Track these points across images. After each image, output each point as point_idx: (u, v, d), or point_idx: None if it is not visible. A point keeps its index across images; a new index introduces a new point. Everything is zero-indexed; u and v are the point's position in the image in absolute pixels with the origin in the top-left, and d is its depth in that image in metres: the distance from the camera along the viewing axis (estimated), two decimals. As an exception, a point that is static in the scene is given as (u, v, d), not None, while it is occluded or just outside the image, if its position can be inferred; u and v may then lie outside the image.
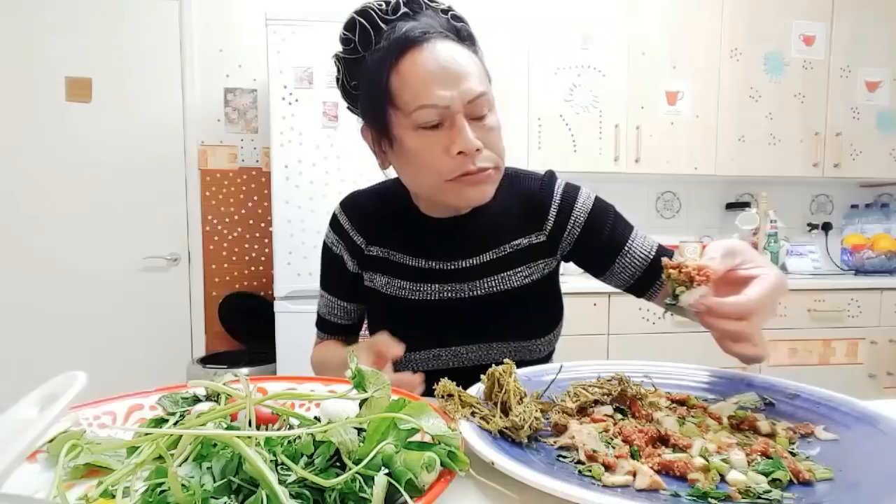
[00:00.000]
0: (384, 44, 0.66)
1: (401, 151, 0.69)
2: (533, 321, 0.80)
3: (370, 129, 0.72)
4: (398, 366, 0.80)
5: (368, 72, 0.68)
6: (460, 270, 0.78)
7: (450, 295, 0.78)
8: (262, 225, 2.57)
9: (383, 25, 0.67)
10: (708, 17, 2.46)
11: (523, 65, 2.36)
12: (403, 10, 0.68)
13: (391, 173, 0.76)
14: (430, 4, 0.70)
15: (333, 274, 0.85)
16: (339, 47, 0.72)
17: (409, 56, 0.65)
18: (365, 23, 0.68)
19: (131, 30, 2.38)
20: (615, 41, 2.41)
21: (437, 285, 0.78)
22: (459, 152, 0.64)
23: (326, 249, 0.85)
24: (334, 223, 0.84)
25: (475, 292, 0.78)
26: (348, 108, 0.77)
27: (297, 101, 2.02)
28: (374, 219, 0.82)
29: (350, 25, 0.69)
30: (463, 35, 0.70)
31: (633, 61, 2.42)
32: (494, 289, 0.78)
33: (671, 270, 0.56)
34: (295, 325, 2.03)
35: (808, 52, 2.55)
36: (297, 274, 2.05)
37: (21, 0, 2.26)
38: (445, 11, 0.71)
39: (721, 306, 0.53)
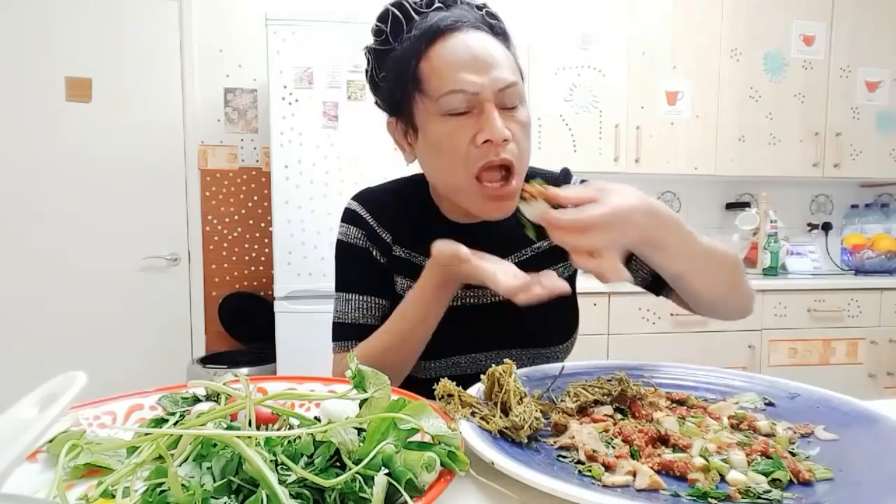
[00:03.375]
0: (415, 32, 0.66)
1: (425, 141, 0.67)
2: (552, 327, 0.79)
3: (398, 121, 0.71)
4: (415, 373, 0.77)
5: (397, 60, 0.67)
6: None
7: (472, 301, 0.77)
8: (262, 225, 2.57)
9: (416, 17, 0.68)
10: (708, 17, 2.46)
11: (523, 65, 2.34)
12: (438, 3, 0.68)
13: (416, 168, 0.74)
14: (465, 0, 0.70)
15: (367, 270, 0.77)
16: (370, 39, 0.72)
17: (439, 43, 0.64)
18: (398, 14, 0.68)
19: (131, 30, 2.38)
20: (615, 41, 2.40)
21: (459, 290, 0.75)
22: (486, 140, 0.61)
23: (351, 247, 0.77)
24: (355, 219, 0.78)
25: (497, 297, 0.76)
26: (375, 102, 0.75)
27: (297, 101, 2.02)
28: (396, 218, 0.78)
29: (383, 17, 0.69)
30: (497, 31, 0.70)
31: (633, 61, 2.42)
32: None
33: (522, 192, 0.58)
34: (295, 325, 2.03)
35: (808, 52, 2.55)
36: (297, 274, 2.05)
37: (21, 0, 2.26)
38: (480, 8, 0.71)
39: (558, 220, 0.53)
